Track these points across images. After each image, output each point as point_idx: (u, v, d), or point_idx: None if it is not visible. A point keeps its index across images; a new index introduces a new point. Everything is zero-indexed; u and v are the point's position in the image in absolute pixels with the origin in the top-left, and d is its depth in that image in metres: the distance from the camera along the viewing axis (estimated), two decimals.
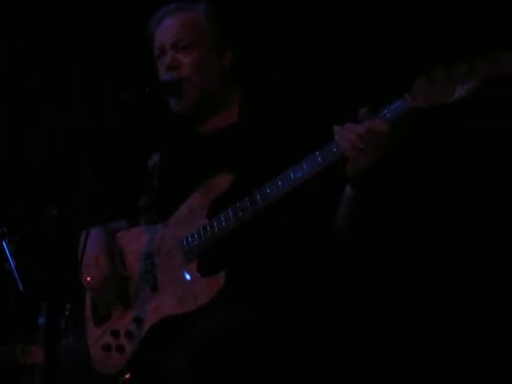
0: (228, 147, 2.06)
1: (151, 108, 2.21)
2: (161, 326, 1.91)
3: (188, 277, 1.91)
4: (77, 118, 3.47)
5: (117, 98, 1.97)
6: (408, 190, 2.60)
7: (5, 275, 3.23)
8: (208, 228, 1.93)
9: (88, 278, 2.04)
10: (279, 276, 1.96)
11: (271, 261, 1.96)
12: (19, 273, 3.23)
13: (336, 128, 1.76)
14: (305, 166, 1.81)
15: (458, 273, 2.58)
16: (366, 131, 1.71)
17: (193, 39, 2.09)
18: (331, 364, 1.93)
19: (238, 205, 1.90)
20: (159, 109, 2.15)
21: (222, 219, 1.91)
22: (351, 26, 2.80)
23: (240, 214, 1.88)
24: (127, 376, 1.93)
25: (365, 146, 1.71)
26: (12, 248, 3.22)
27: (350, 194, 1.84)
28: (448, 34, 2.56)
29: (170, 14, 2.13)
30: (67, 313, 3.37)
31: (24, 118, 3.56)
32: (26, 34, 3.52)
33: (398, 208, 2.53)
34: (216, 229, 1.91)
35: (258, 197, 1.86)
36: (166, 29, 2.12)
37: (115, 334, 1.98)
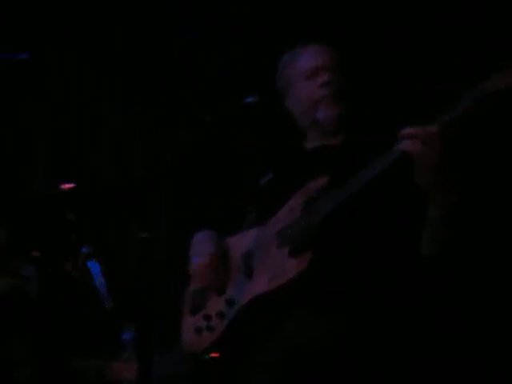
0: (330, 162, 2.14)
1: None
2: (251, 306, 1.94)
3: (280, 259, 1.95)
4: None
5: (199, 121, 2.10)
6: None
7: (91, 293, 3.33)
8: (302, 217, 1.98)
9: (195, 267, 2.12)
10: (374, 285, 1.96)
11: (367, 266, 1.97)
12: (106, 290, 3.33)
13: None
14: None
15: None
16: (420, 129, 1.79)
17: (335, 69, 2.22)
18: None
19: (328, 193, 1.96)
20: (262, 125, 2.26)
21: (316, 207, 1.97)
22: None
23: (331, 201, 1.93)
24: (214, 355, 1.95)
25: (423, 146, 1.78)
26: (99, 266, 3.33)
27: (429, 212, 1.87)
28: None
29: (312, 44, 2.28)
30: (156, 329, 3.43)
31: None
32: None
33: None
34: (309, 217, 1.96)
35: (346, 185, 1.93)
36: (319, 51, 2.25)
37: (207, 317, 2.02)
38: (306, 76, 2.23)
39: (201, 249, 2.16)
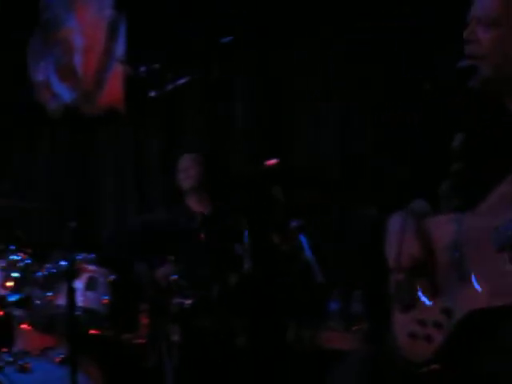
0: None
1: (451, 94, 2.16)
2: (472, 319, 1.87)
3: (501, 269, 1.83)
4: None
5: (419, 90, 1.97)
6: None
7: (302, 265, 3.42)
8: None
9: (397, 258, 2.02)
10: None
11: None
12: (315, 264, 3.39)
13: None
14: None
15: None
16: None
17: (500, 16, 1.96)
18: None
19: None
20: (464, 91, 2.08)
21: None
22: None
23: None
24: (434, 367, 1.93)
25: None
26: (308, 240, 3.39)
27: None
28: None
29: None
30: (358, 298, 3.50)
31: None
32: None
33: None
34: None
35: None
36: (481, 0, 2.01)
37: (422, 323, 1.98)
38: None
39: (403, 243, 2.02)
